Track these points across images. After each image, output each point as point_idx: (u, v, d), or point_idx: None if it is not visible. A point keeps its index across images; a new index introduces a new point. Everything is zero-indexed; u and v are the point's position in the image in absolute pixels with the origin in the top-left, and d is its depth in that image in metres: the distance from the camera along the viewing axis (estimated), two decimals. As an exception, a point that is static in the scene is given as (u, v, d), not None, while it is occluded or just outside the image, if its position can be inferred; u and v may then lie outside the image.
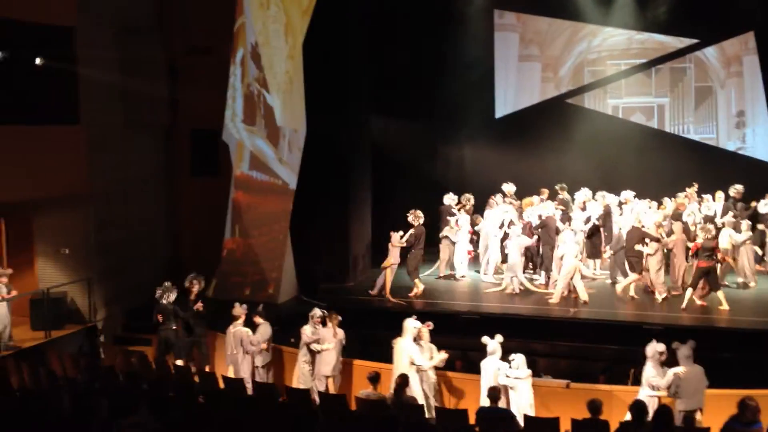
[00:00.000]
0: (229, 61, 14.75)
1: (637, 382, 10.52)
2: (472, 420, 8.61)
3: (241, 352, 11.25)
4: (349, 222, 15.42)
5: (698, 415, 9.06)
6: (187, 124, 16.12)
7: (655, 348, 9.40)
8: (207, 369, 11.85)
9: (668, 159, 16.77)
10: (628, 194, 14.81)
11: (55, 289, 13.55)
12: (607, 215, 14.59)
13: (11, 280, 12.52)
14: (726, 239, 13.66)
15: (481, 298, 13.90)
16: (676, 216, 14.09)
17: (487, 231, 14.67)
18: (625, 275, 13.60)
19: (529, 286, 13.99)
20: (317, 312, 11.15)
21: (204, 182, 15.96)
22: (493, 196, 15.33)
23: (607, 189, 15.21)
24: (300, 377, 11.08)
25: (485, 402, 9.30)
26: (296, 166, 14.38)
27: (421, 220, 13.93)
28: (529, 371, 9.79)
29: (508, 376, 9.66)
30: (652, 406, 8.69)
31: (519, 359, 9.77)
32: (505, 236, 14.48)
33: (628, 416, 7.97)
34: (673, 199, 14.95)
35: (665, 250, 13.46)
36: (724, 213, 14.58)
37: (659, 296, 13.20)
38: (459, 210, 15.03)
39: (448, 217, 14.84)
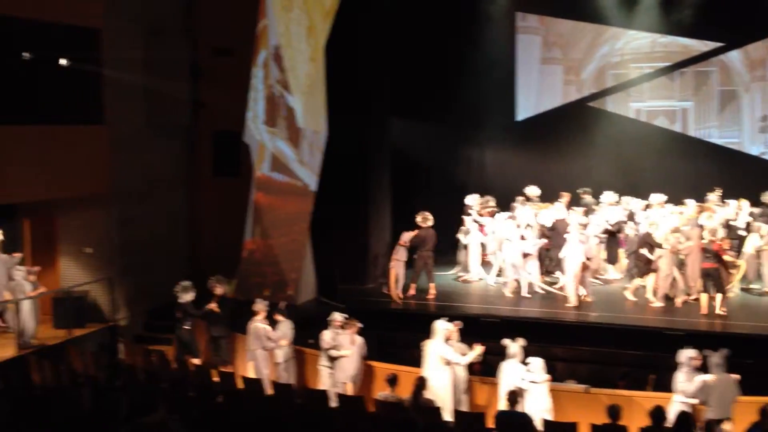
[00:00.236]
0: (251, 62, 14.82)
1: (658, 388, 10.48)
2: (489, 423, 8.59)
3: (260, 348, 11.29)
4: (369, 224, 15.44)
5: (726, 425, 8.96)
6: (208, 125, 16.21)
7: (686, 354, 9.39)
8: (226, 369, 11.89)
9: (691, 163, 16.63)
10: (657, 198, 14.67)
11: (77, 288, 13.70)
12: (623, 221, 14.50)
13: (37, 279, 12.70)
14: (752, 244, 13.53)
15: (500, 301, 13.85)
16: (695, 222, 13.96)
17: (500, 234, 14.60)
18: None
19: (549, 289, 13.98)
20: (337, 316, 11.13)
21: (225, 183, 16.04)
22: (516, 199, 15.31)
23: (630, 193, 15.12)
24: (322, 380, 11.09)
25: (504, 405, 9.28)
26: (316, 167, 14.42)
27: (430, 223, 13.95)
28: (547, 376, 9.75)
29: (523, 380, 9.64)
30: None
31: (536, 363, 9.73)
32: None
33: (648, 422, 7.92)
34: (697, 204, 14.80)
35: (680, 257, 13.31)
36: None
37: (656, 302, 13.14)
38: (479, 212, 15.01)
39: (464, 217, 14.87)
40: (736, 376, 9.25)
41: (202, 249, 16.23)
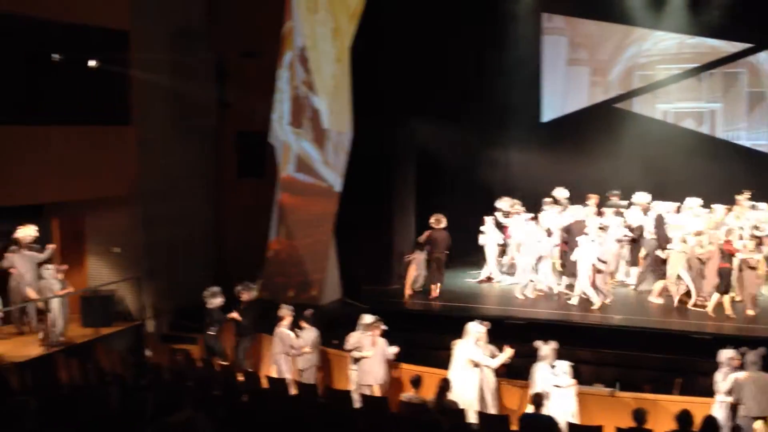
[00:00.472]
0: (276, 64, 14.89)
1: (685, 391, 10.40)
2: (513, 426, 8.56)
3: (283, 353, 11.34)
4: (393, 224, 15.45)
5: (758, 424, 8.91)
6: (233, 126, 16.30)
7: (725, 354, 9.43)
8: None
9: (719, 165, 16.41)
10: (693, 202, 14.52)
11: (104, 287, 13.84)
12: (639, 226, 14.40)
13: (65, 278, 12.85)
14: None
15: (522, 303, 13.78)
16: (721, 225, 13.79)
17: (517, 236, 14.54)
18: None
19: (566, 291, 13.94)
20: (367, 318, 11.13)
21: (250, 184, 16.13)
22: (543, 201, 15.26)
23: (656, 195, 14.98)
24: (351, 382, 11.10)
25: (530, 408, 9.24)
26: (341, 168, 14.46)
27: (443, 225, 13.99)
28: (573, 381, 9.68)
29: (550, 383, 9.59)
30: (723, 412, 8.74)
31: (563, 367, 9.68)
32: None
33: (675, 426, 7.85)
34: (725, 207, 14.63)
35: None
36: None
37: (655, 301, 13.26)
38: (507, 215, 15.00)
39: (485, 218, 14.88)
40: None
41: (226, 249, 16.34)
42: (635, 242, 14.51)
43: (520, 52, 17.28)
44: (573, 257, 13.33)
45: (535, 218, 14.61)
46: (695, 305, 12.98)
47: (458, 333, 10.57)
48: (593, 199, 15.02)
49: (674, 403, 9.55)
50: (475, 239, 15.09)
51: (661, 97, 17.72)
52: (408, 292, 14.27)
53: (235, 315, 12.05)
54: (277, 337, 11.41)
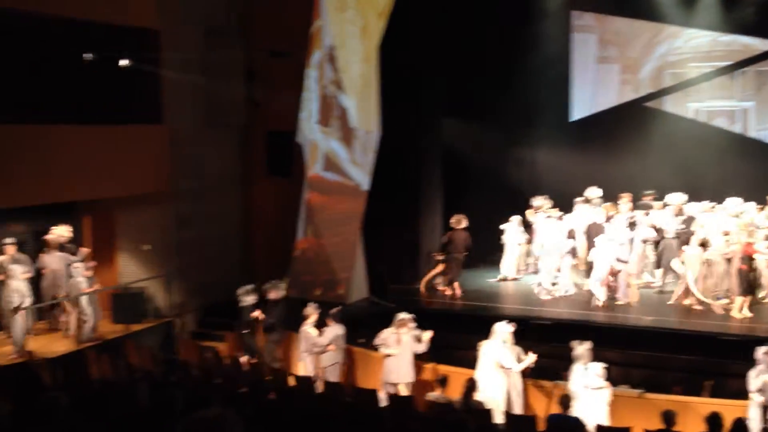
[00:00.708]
0: (305, 63, 14.96)
1: (715, 394, 10.30)
2: (540, 426, 8.54)
3: (308, 351, 11.40)
4: (420, 223, 15.46)
5: None
6: (263, 125, 16.40)
7: (762, 350, 9.38)
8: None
9: (751, 165, 16.17)
10: (733, 202, 14.29)
11: (135, 284, 14.01)
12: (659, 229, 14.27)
13: (94, 274, 13.01)
14: None
15: (549, 303, 13.72)
16: (751, 225, 13.58)
17: (541, 235, 14.46)
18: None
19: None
20: (399, 316, 11.13)
21: (278, 182, 16.23)
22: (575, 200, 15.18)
23: (688, 194, 14.81)
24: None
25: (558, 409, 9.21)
26: (369, 167, 14.49)
27: (463, 225, 13.98)
28: (605, 383, 9.60)
29: (581, 384, 9.55)
30: (757, 411, 8.69)
31: (595, 368, 9.61)
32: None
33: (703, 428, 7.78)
34: (757, 206, 14.42)
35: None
36: None
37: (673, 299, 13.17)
38: (535, 213, 14.94)
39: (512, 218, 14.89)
40: None
41: (255, 247, 16.45)
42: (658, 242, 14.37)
43: (549, 50, 17.14)
44: (590, 257, 13.25)
45: (561, 218, 14.53)
46: (692, 305, 12.90)
47: (482, 332, 10.56)
48: (626, 198, 14.88)
49: (704, 405, 9.45)
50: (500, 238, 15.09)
51: (693, 95, 17.49)
52: (422, 288, 14.32)
53: (258, 314, 12.12)
54: (302, 336, 11.49)
